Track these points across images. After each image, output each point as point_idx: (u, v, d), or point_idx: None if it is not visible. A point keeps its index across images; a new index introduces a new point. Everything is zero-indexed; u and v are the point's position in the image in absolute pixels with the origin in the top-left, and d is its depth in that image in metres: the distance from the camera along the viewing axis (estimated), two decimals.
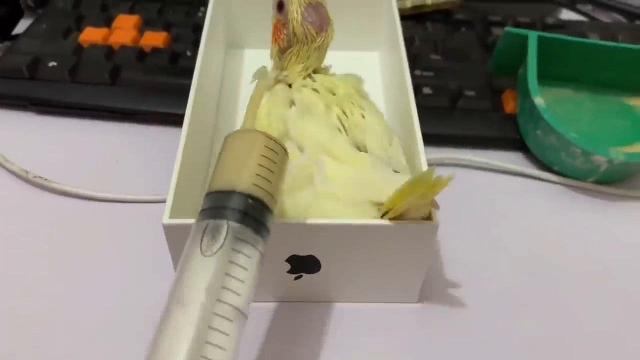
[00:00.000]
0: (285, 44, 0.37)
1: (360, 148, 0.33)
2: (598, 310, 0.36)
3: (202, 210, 0.25)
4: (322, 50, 0.37)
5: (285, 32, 0.36)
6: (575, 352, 0.33)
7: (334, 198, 0.31)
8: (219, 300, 0.22)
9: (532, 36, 0.44)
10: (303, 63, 0.37)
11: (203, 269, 0.23)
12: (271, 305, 0.35)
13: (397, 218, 0.29)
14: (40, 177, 0.40)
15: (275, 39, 0.37)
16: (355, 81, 0.38)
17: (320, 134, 0.33)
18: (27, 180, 0.41)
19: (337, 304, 0.35)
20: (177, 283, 0.23)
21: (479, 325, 0.34)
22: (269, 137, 0.26)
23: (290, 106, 0.35)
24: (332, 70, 0.39)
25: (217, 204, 0.24)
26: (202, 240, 0.23)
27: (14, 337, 0.33)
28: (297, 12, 0.35)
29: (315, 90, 0.36)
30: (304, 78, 0.37)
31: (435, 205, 0.30)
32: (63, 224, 0.38)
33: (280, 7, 0.36)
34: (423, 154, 0.34)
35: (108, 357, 0.32)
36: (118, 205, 0.40)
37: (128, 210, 0.39)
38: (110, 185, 0.41)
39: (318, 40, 0.36)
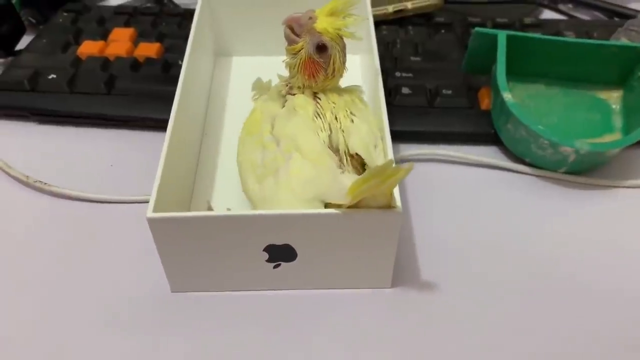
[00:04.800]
0: (321, 80, 0.38)
1: (340, 149, 0.35)
2: (569, 297, 0.37)
3: None
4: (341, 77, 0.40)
5: (323, 73, 0.38)
6: (546, 337, 0.35)
7: (290, 190, 0.34)
8: None
9: (501, 35, 0.46)
10: (323, 86, 0.39)
11: None
12: (253, 294, 0.37)
13: (355, 206, 0.32)
14: (40, 181, 0.43)
15: (312, 76, 0.38)
16: (358, 91, 0.41)
17: (297, 132, 0.36)
18: (27, 185, 0.43)
19: (316, 291, 0.37)
20: None
21: (450, 310, 0.36)
22: None
23: (283, 107, 0.38)
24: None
25: None
26: None
27: (14, 334, 0.35)
28: (339, 59, 0.38)
29: (312, 96, 0.38)
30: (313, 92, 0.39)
31: (392, 199, 0.32)
32: (62, 224, 0.41)
33: (322, 49, 0.37)
34: (391, 150, 0.36)
35: (106, 349, 0.34)
36: (113, 206, 0.42)
37: (122, 210, 0.42)
38: (105, 187, 0.43)
39: (345, 73, 0.39)
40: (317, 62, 0.38)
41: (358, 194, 0.30)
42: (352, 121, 0.37)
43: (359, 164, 0.35)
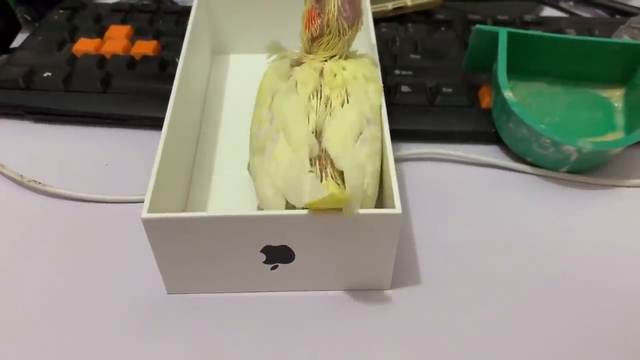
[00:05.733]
0: (317, 33, 0.38)
1: (322, 134, 0.35)
2: (571, 297, 0.37)
3: None
4: (351, 41, 0.39)
5: (319, 21, 0.38)
6: (547, 337, 0.35)
7: (267, 175, 0.34)
8: None
9: (502, 33, 0.45)
10: (331, 50, 0.38)
11: None
12: (250, 295, 0.36)
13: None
14: (34, 180, 0.42)
15: (308, 26, 0.38)
16: (365, 66, 0.39)
17: (289, 113, 0.35)
18: (22, 184, 0.43)
19: (314, 293, 0.36)
20: None
21: (450, 310, 0.36)
22: None
23: (288, 80, 0.38)
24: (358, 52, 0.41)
25: None
26: None
27: (7, 335, 0.34)
28: (334, 6, 0.37)
29: (318, 70, 0.38)
30: (322, 62, 0.38)
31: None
32: (56, 224, 0.40)
33: None
34: (390, 150, 0.36)
35: (101, 351, 0.34)
36: (108, 206, 0.42)
37: (118, 210, 0.41)
38: (101, 187, 0.43)
39: (349, 34, 0.38)
40: (314, 10, 0.38)
41: (318, 207, 0.31)
42: (343, 104, 0.36)
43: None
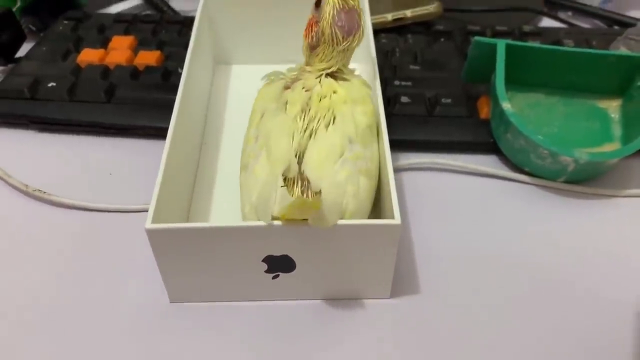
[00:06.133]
0: (314, 42, 0.39)
1: (303, 155, 0.35)
2: (569, 306, 0.37)
3: None
4: (346, 53, 0.39)
5: (315, 30, 0.38)
6: (546, 346, 0.35)
7: (247, 190, 0.35)
8: None
9: (500, 44, 0.46)
10: (327, 62, 0.39)
11: None
12: (252, 304, 0.37)
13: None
14: (39, 190, 0.43)
15: (306, 35, 0.39)
16: (357, 89, 0.39)
17: (273, 132, 0.36)
18: (26, 194, 0.43)
19: (314, 302, 0.37)
20: None
21: (449, 319, 0.36)
22: None
23: (277, 101, 0.39)
24: (357, 72, 0.41)
25: None
26: None
27: (14, 342, 0.35)
28: (329, 14, 0.37)
29: (310, 90, 0.38)
30: (318, 78, 0.39)
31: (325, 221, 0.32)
32: (61, 233, 0.41)
33: (318, 4, 0.38)
34: (389, 160, 0.36)
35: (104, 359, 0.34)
36: (112, 215, 0.42)
37: (121, 219, 0.42)
38: (105, 196, 0.43)
39: (343, 44, 0.38)
40: (313, 19, 0.38)
41: (288, 216, 0.32)
42: (328, 126, 0.36)
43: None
